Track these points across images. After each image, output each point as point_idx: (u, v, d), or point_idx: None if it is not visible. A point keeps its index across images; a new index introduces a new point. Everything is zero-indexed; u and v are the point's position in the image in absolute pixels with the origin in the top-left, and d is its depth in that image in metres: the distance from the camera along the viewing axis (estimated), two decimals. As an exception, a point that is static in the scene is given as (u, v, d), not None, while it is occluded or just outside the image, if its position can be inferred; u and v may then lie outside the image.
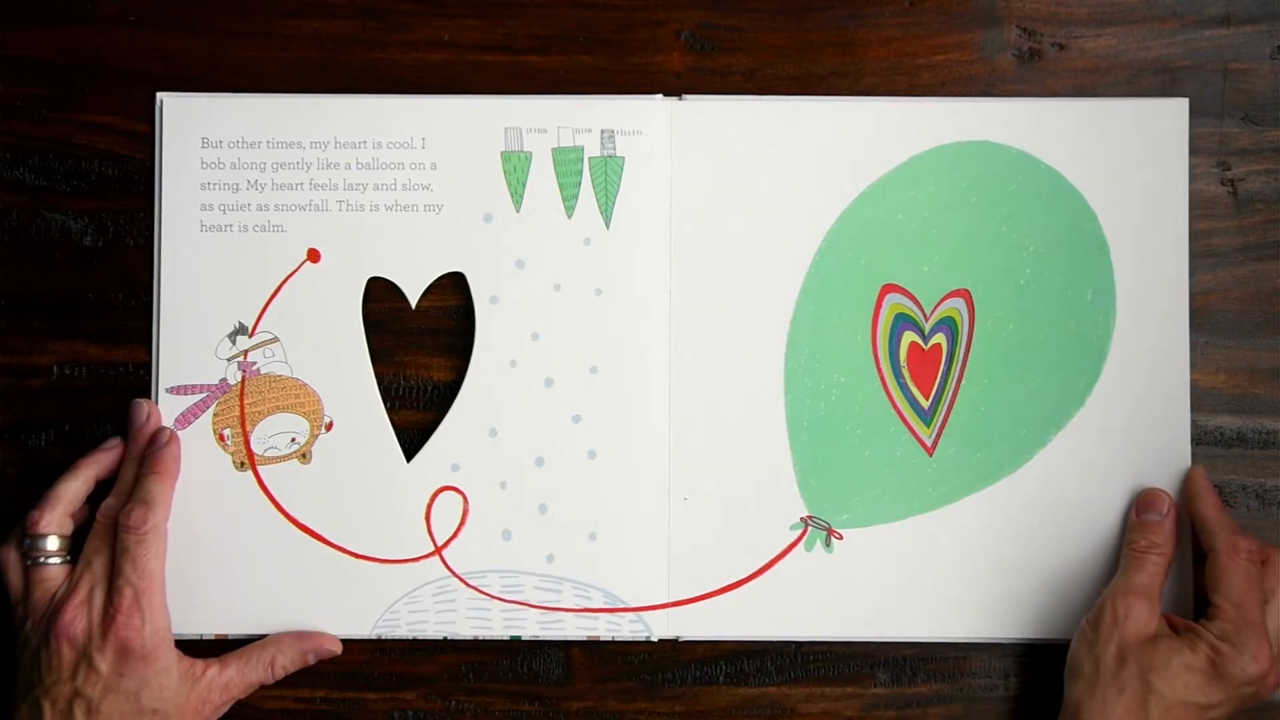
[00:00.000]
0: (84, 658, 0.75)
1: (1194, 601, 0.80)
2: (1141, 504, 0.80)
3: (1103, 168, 0.82)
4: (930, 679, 0.82)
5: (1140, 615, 0.76)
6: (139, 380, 0.82)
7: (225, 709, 0.79)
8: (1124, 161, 0.81)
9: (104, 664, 0.75)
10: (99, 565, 0.77)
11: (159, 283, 0.82)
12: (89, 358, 0.83)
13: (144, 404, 0.81)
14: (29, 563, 0.77)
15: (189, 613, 0.80)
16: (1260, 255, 0.82)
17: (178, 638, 0.78)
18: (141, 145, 0.82)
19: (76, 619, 0.76)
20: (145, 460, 0.79)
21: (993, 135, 0.82)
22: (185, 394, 0.82)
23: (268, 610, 0.81)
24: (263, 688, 0.80)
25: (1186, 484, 0.80)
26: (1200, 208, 0.82)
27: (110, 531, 0.78)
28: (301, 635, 0.81)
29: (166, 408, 0.81)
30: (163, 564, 0.78)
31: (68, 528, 0.78)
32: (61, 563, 0.78)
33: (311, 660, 0.81)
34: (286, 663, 0.80)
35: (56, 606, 0.76)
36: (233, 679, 0.79)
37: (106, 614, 0.76)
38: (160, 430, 0.80)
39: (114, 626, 0.75)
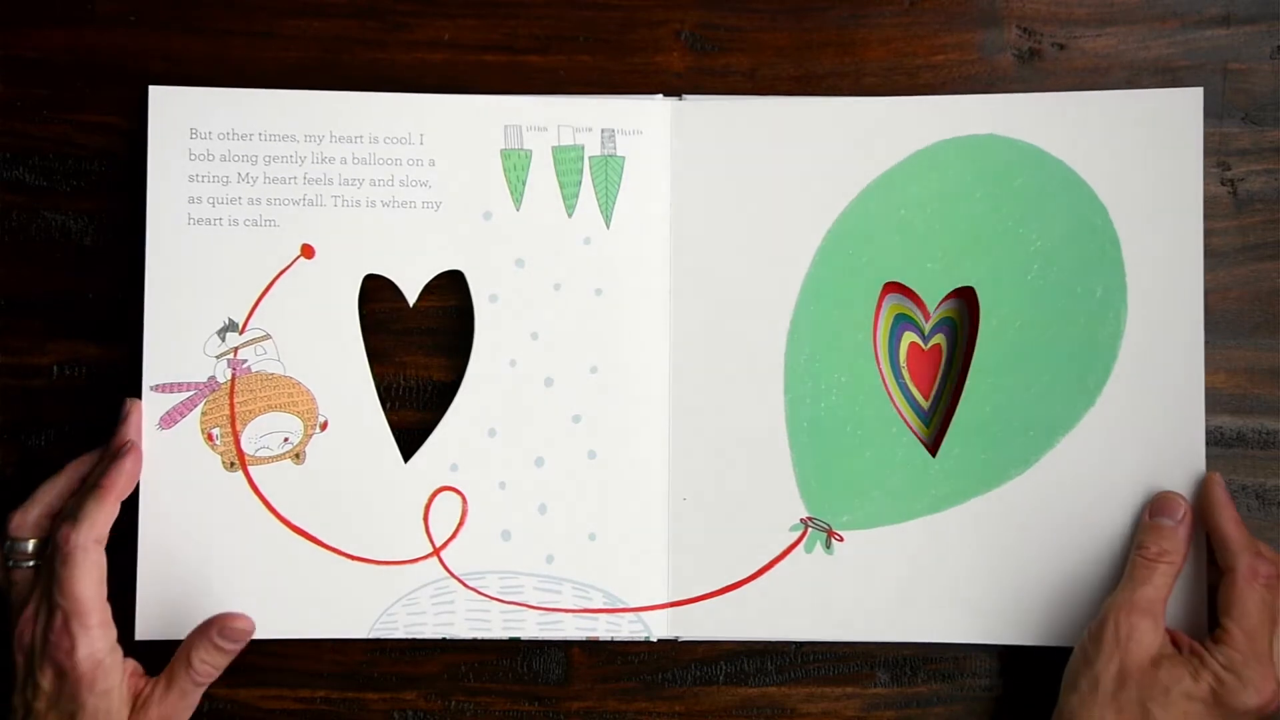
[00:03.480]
0: (29, 673, 0.73)
1: (1208, 616, 0.78)
2: (1156, 507, 0.78)
3: (1114, 160, 0.80)
4: (930, 679, 0.82)
5: (1144, 635, 0.74)
6: (138, 380, 0.82)
7: None
8: (1136, 154, 0.80)
9: (45, 681, 0.73)
10: (48, 575, 0.74)
11: (144, 277, 0.80)
12: (89, 358, 0.82)
13: (127, 403, 0.79)
14: (10, 564, 0.76)
15: (178, 617, 0.79)
16: (1260, 255, 0.82)
17: (168, 642, 0.77)
18: (141, 145, 0.82)
19: (25, 633, 0.74)
20: (94, 472, 0.77)
21: (999, 129, 0.81)
22: (170, 392, 0.80)
23: (259, 614, 0.79)
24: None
25: (1203, 494, 0.78)
26: (1201, 207, 0.82)
27: None
28: (207, 622, 0.76)
29: (151, 406, 0.80)
30: (95, 584, 0.73)
31: (45, 530, 0.76)
32: (33, 566, 0.76)
33: (225, 646, 0.76)
34: (204, 654, 0.75)
35: (14, 616, 0.75)
36: (165, 694, 0.75)
37: (45, 633, 0.73)
38: (124, 443, 0.77)
39: (48, 648, 0.73)
